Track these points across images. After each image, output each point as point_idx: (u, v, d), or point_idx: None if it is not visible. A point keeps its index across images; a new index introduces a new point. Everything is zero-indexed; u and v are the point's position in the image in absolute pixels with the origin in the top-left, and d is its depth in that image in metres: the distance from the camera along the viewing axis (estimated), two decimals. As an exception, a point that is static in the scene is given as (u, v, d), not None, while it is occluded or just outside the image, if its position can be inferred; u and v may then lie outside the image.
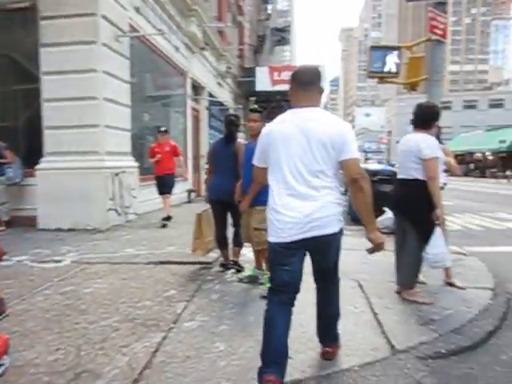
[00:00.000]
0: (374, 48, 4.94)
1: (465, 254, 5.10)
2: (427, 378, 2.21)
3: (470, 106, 51.63)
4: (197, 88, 12.35)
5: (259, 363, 1.99)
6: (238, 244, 4.08)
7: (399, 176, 3.30)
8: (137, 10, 7.51)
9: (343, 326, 2.82)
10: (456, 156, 40.83)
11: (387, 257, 3.68)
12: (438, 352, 2.49)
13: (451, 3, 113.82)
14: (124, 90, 7.01)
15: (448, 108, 51.32)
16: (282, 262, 2.06)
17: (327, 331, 2.43)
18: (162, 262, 4.42)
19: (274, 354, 1.98)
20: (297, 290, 2.11)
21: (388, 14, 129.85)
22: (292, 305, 2.11)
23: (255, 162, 2.26)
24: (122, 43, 6.85)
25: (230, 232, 4.22)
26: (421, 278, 3.79)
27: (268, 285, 2.23)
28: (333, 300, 2.38)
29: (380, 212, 5.30)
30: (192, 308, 3.14)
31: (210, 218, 4.16)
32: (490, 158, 34.99)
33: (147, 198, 7.76)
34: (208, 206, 4.18)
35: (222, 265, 4.20)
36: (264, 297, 3.34)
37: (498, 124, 40.24)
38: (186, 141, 11.05)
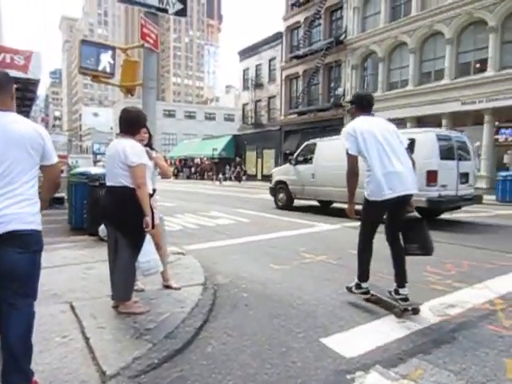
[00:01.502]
0: (85, 42, 4.51)
1: (183, 254, 5.49)
2: (138, 399, 2.10)
3: (190, 116, 58.27)
4: None
5: None
6: None
7: (108, 183, 3.10)
8: None
9: (47, 365, 2.36)
10: (180, 160, 45.09)
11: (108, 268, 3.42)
12: (150, 364, 2.44)
13: (173, 20, 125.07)
14: None
15: (172, 116, 56.20)
16: None
17: (12, 373, 1.93)
18: None
19: None
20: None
21: (114, 14, 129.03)
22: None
23: None
24: None
25: None
26: (139, 285, 3.74)
27: None
28: (21, 328, 1.98)
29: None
30: None
31: None
32: (207, 162, 40.66)
33: None
34: None
35: None
36: None
37: (211, 134, 47.38)
38: None
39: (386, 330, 2.95)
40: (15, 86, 2.23)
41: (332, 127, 25.46)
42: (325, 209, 11.07)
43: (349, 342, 2.77)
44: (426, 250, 3.43)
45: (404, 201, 3.27)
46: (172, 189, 21.42)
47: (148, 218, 2.91)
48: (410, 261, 5.01)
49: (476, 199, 9.12)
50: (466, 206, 9.14)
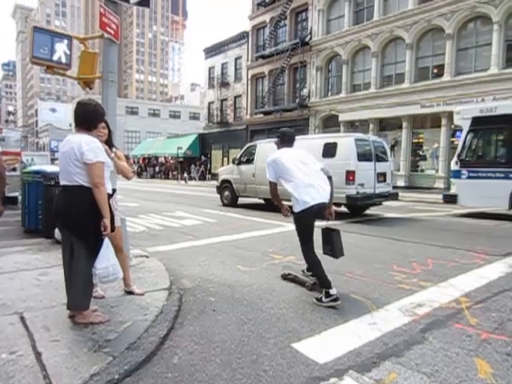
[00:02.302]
0: (37, 29, 4.11)
1: (147, 256, 5.24)
2: (95, 421, 1.90)
3: (154, 114, 56.85)
4: None
5: None
6: None
7: (62, 182, 2.83)
8: None
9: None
10: (144, 159, 43.90)
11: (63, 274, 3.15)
12: (110, 381, 2.23)
13: (136, 14, 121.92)
14: None
15: (135, 113, 54.63)
16: None
17: None
18: None
19: None
20: None
21: (73, 5, 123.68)
22: None
23: None
24: None
25: None
26: (99, 291, 3.50)
27: None
28: None
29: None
30: None
31: None
32: (172, 161, 39.84)
33: None
34: None
35: None
36: None
37: (176, 132, 46.47)
38: None
39: (357, 333, 2.90)
40: None
41: (297, 127, 25.61)
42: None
43: (321, 347, 2.69)
44: (334, 253, 3.96)
45: (322, 208, 3.82)
46: (135, 188, 20.77)
47: (106, 221, 2.68)
48: (377, 260, 5.06)
49: (392, 196, 10.16)
50: (422, 205, 9.41)
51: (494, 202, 9.63)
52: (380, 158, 9.70)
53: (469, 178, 9.78)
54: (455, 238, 6.86)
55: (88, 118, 2.86)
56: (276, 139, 4.30)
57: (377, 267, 4.81)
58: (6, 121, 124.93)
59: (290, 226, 8.17)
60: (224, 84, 34.31)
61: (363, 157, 9.19)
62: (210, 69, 36.37)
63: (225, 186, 12.61)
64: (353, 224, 8.57)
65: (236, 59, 33.07)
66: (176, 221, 9.02)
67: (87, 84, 4.50)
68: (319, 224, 3.85)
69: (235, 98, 33.39)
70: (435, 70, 19.96)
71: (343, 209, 10.14)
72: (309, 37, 25.59)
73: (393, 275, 4.46)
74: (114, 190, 3.16)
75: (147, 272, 4.45)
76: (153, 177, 40.01)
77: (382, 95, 21.55)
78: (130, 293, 3.61)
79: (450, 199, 10.31)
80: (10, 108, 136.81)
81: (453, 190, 10.27)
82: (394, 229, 7.98)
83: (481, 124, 9.83)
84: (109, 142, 3.40)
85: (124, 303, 3.41)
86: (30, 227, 6.73)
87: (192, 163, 35.96)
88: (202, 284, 4.21)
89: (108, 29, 4.20)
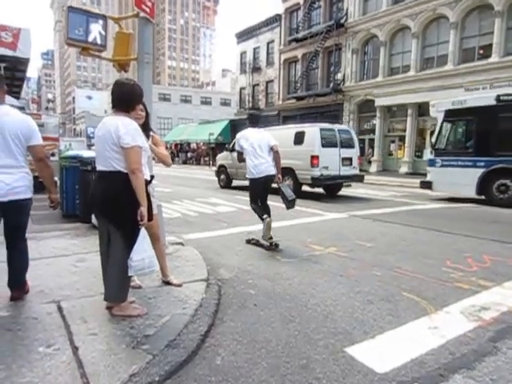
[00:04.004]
0: (72, 9, 3.97)
1: (182, 244, 5.11)
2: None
3: (186, 100, 57.09)
4: None
5: None
6: None
7: (98, 167, 2.66)
8: None
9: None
10: (176, 145, 44.29)
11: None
12: (150, 383, 2.06)
13: (168, 1, 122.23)
14: None
15: (168, 100, 55.09)
16: None
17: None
18: None
19: None
20: None
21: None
22: None
23: None
24: None
25: None
26: (136, 281, 3.37)
27: None
28: (22, 255, 2.99)
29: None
30: None
31: None
32: (203, 147, 39.98)
33: None
34: None
35: None
36: None
37: (207, 118, 46.51)
38: None
39: (417, 338, 2.60)
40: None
41: (331, 113, 24.93)
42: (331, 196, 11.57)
43: (378, 353, 2.42)
44: (287, 203, 5.37)
45: (269, 179, 5.28)
46: (168, 174, 20.92)
47: (143, 209, 2.48)
48: (426, 254, 4.66)
49: (356, 178, 11.38)
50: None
51: (463, 189, 10.23)
52: (346, 144, 10.91)
53: (442, 166, 10.47)
54: (509, 232, 6.31)
55: (125, 98, 2.65)
56: (248, 120, 5.64)
57: (427, 263, 4.44)
58: (46, 108, 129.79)
59: (327, 215, 7.86)
60: (256, 69, 33.77)
61: (328, 143, 10.45)
62: (242, 54, 35.87)
63: (221, 170, 14.06)
64: (393, 214, 8.12)
65: (268, 43, 32.39)
66: (210, 207, 8.90)
67: (122, 66, 4.34)
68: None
69: (267, 83, 32.84)
70: (481, 51, 18.63)
71: (320, 190, 11.60)
72: (344, 18, 24.56)
73: (447, 272, 4.08)
74: (152, 177, 2.97)
75: (184, 261, 4.30)
76: (185, 163, 40.38)
77: (422, 78, 20.42)
78: (168, 283, 3.47)
79: (426, 186, 11.02)
80: (50, 96, 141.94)
81: (428, 178, 11.01)
82: (439, 220, 7.48)
83: (452, 116, 10.53)
84: (146, 125, 3.21)
85: (162, 295, 3.26)
86: (68, 212, 6.79)
87: (223, 149, 35.90)
88: (240, 275, 4.02)
89: (144, 6, 3.99)
